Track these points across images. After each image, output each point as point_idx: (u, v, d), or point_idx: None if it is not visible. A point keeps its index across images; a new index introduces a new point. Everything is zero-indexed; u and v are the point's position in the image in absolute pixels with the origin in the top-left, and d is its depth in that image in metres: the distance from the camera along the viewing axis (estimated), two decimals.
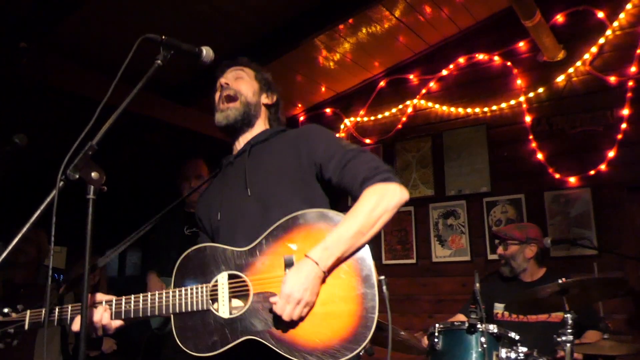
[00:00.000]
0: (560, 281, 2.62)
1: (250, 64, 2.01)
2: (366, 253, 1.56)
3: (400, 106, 5.27)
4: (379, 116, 5.39)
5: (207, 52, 1.72)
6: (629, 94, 4.15)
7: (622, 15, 4.27)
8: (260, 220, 1.68)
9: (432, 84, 5.14)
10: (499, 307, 3.41)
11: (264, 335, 1.52)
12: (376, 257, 5.10)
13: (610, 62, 4.30)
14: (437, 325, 2.76)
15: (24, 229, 1.27)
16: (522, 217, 4.47)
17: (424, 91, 5.17)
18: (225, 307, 1.58)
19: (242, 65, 1.98)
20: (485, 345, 2.56)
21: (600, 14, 4.36)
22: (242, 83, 1.92)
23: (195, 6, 3.78)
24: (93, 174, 1.31)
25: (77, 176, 1.28)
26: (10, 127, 4.45)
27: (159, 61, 1.56)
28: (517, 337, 2.65)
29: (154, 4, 3.67)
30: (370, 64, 5.22)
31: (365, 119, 5.47)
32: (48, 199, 1.26)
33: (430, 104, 5.12)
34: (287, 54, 4.48)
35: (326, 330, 1.48)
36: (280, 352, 1.49)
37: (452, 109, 4.99)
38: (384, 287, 1.55)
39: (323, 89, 5.44)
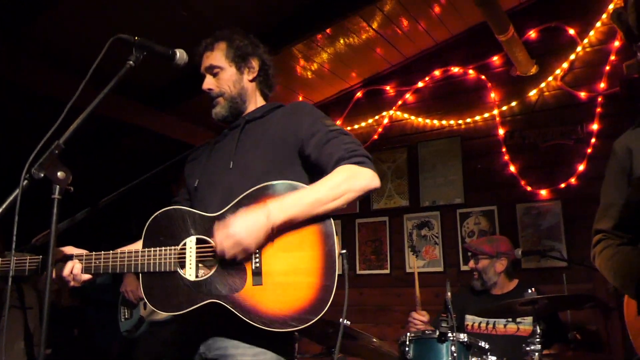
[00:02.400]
0: (530, 290, 2.67)
1: (216, 39, 1.97)
2: (330, 229, 1.61)
3: (377, 117, 5.31)
4: (355, 126, 5.42)
5: (180, 54, 1.71)
6: (599, 110, 4.26)
7: (592, 33, 4.39)
8: (235, 189, 1.71)
9: (408, 96, 5.20)
10: (469, 319, 3.44)
11: (227, 299, 1.57)
12: (350, 267, 5.13)
13: (581, 77, 4.41)
14: (408, 334, 2.77)
15: None
16: (495, 229, 4.52)
17: (400, 102, 5.22)
18: (192, 270, 1.62)
19: (209, 49, 1.95)
20: (455, 354, 2.58)
21: (572, 31, 4.47)
22: (220, 78, 1.92)
23: (174, 11, 3.76)
24: (59, 173, 1.28)
25: (42, 175, 1.25)
26: None
27: (131, 62, 1.54)
28: (487, 347, 2.67)
29: (131, 6, 3.64)
30: (348, 75, 5.25)
31: None
32: (10, 198, 1.23)
33: (406, 116, 5.17)
34: None
35: (286, 300, 1.55)
36: (241, 316, 1.54)
37: (428, 121, 5.04)
38: (344, 262, 1.59)
39: (300, 98, 5.45)
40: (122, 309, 3.63)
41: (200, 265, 1.64)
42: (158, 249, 1.64)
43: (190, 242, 1.64)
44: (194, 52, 1.96)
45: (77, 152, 4.87)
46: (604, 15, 4.34)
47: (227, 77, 1.92)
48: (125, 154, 5.47)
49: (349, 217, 5.19)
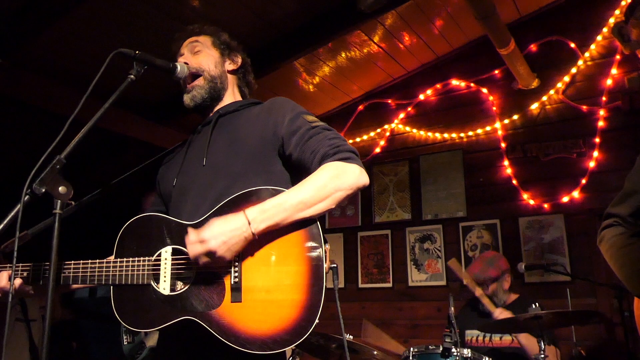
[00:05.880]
0: (534, 306, 2.66)
1: (203, 29, 1.88)
2: (318, 239, 1.46)
3: (378, 130, 5.32)
4: (357, 139, 5.43)
5: (181, 67, 1.71)
6: (600, 123, 4.26)
7: (592, 47, 4.41)
8: (208, 191, 1.61)
9: (409, 109, 5.21)
10: (469, 334, 3.44)
11: (203, 316, 1.44)
12: (352, 280, 5.11)
13: (582, 91, 4.42)
14: (411, 348, 2.75)
15: None
16: (497, 243, 4.50)
17: (401, 116, 5.23)
18: (166, 283, 1.50)
19: (195, 34, 1.86)
20: None
21: (572, 45, 4.49)
22: (201, 56, 1.80)
23: (172, 26, 3.78)
24: (60, 188, 1.27)
25: (44, 190, 1.24)
26: None
27: (132, 76, 1.53)
28: None
29: (130, 22, 3.66)
30: (349, 88, 5.27)
31: None
32: (12, 213, 1.22)
33: (407, 129, 5.18)
34: (267, 76, 4.50)
35: (268, 319, 1.41)
36: (218, 335, 1.41)
37: (429, 134, 5.05)
38: (334, 276, 1.46)
39: None
40: (123, 332, 3.60)
41: (175, 278, 1.52)
42: (131, 260, 1.52)
43: (166, 252, 1.52)
44: (177, 39, 1.88)
45: (79, 166, 4.88)
46: (605, 29, 4.36)
47: (208, 57, 1.81)
48: (128, 169, 5.48)
49: (351, 230, 5.17)
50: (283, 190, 1.50)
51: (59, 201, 1.26)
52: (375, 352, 3.04)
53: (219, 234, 1.38)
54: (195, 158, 1.72)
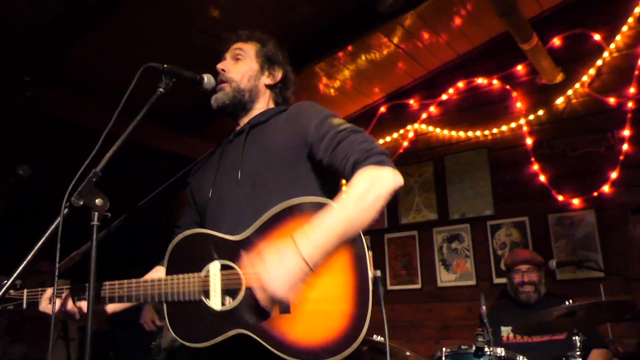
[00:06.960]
0: (567, 302, 2.62)
1: (252, 35, 1.91)
2: (362, 250, 1.46)
3: (401, 131, 5.31)
4: (381, 141, 5.42)
5: (208, 79, 1.74)
6: (629, 115, 4.17)
7: (618, 38, 4.33)
8: (246, 204, 1.63)
9: (432, 109, 5.18)
10: (504, 331, 3.42)
11: (254, 329, 1.46)
12: (381, 282, 5.08)
13: (609, 83, 4.34)
14: (444, 349, 2.73)
15: (29, 258, 1.27)
16: (527, 240, 4.44)
17: (424, 116, 5.21)
18: (217, 299, 1.52)
19: (243, 40, 1.89)
20: None
21: (597, 37, 4.42)
22: (239, 65, 1.84)
23: (195, 36, 3.84)
24: (97, 201, 1.31)
25: (82, 203, 1.28)
26: (15, 159, 4.49)
27: (161, 89, 1.57)
28: None
29: (154, 35, 3.73)
30: (371, 90, 5.27)
31: None
32: (53, 226, 1.27)
33: (431, 129, 5.15)
34: None
35: (317, 330, 1.43)
36: (270, 347, 1.43)
37: (453, 133, 5.01)
38: (379, 284, 1.47)
39: None
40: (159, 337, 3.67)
41: (225, 293, 1.54)
42: (181, 276, 1.56)
43: (214, 268, 1.54)
44: (227, 41, 1.91)
45: (109, 179, 4.97)
46: (631, 19, 4.28)
47: (246, 68, 1.84)
48: (155, 180, 5.56)
49: (378, 232, 5.16)
50: (325, 201, 1.49)
51: (96, 213, 1.30)
52: (407, 353, 3.03)
53: (284, 283, 1.33)
54: (229, 170, 1.74)
